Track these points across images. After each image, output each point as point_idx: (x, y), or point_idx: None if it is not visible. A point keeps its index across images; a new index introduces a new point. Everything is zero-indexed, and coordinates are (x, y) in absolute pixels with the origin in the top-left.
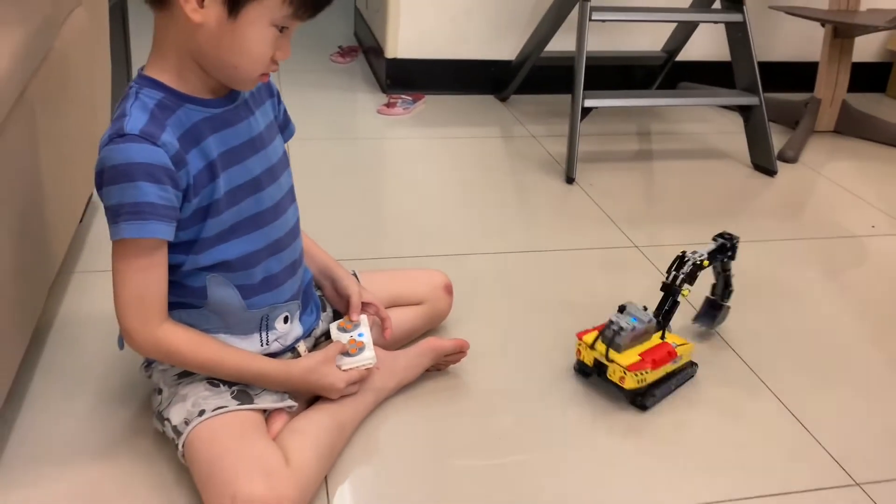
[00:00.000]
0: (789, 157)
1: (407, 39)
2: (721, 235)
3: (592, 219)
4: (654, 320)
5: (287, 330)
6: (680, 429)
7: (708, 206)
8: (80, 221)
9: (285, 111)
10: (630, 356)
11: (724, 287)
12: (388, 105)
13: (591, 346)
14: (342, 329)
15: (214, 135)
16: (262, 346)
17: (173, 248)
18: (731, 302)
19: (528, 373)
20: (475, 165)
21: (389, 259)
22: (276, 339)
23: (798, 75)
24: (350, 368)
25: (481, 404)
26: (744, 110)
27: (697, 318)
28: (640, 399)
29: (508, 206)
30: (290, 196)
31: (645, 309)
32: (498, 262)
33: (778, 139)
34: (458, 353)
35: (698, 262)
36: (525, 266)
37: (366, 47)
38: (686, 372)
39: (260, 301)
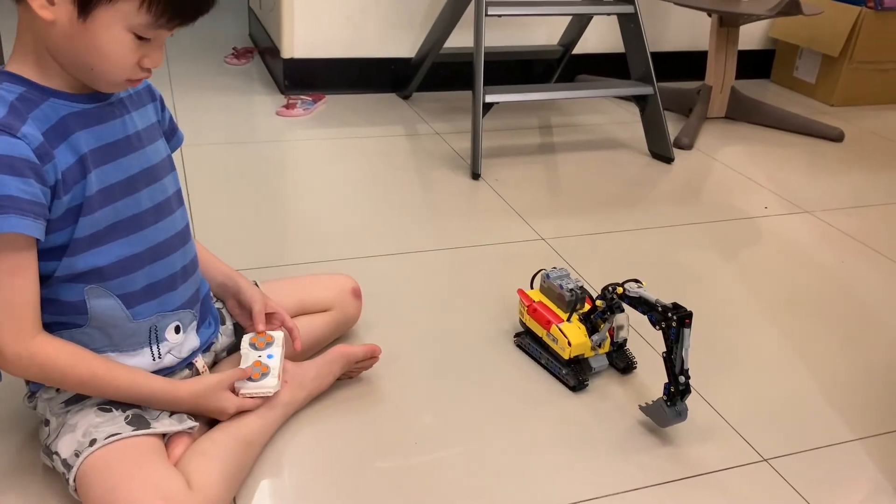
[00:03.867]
0: (684, 144)
1: (303, 39)
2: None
3: (499, 213)
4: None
5: (180, 340)
6: (591, 416)
7: (610, 196)
8: None
9: (171, 118)
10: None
11: (669, 376)
12: (288, 106)
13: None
14: (253, 345)
15: (84, 130)
16: (154, 359)
17: (44, 254)
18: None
19: (443, 372)
20: (380, 165)
21: (293, 266)
22: (168, 351)
23: (688, 64)
24: (249, 395)
25: (396, 408)
26: (639, 100)
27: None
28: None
29: (415, 205)
30: (177, 200)
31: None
32: (407, 263)
33: (673, 127)
34: (370, 358)
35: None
36: (434, 265)
37: (261, 48)
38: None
39: (145, 310)
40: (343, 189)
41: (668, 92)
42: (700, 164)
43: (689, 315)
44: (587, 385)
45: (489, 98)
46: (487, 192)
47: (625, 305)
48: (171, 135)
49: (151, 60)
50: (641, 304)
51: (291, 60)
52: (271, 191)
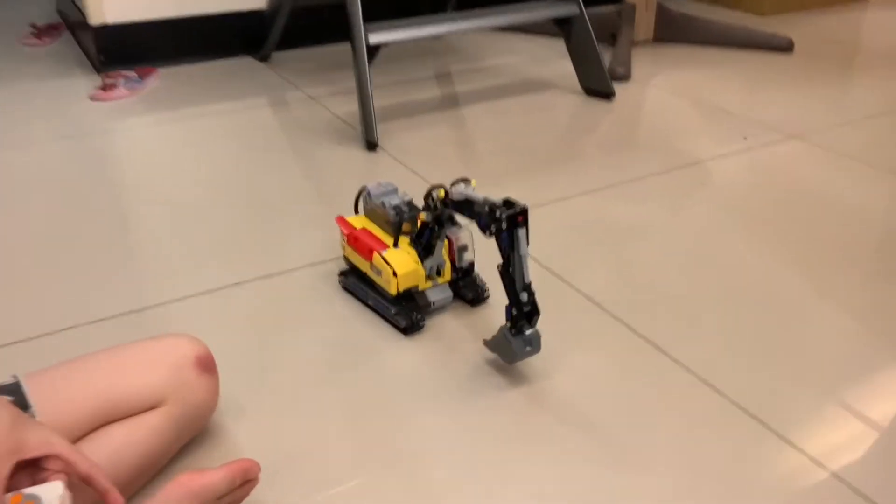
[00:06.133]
0: (620, 75)
1: None
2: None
3: (411, 190)
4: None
5: None
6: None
7: (544, 151)
8: None
9: None
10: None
11: (509, 295)
12: (105, 88)
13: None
14: None
15: None
16: None
17: None
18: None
19: (367, 461)
20: (242, 149)
21: (114, 319)
22: None
23: None
24: None
25: None
26: (563, 25)
27: (490, 344)
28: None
29: (296, 197)
30: None
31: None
32: (293, 285)
33: None
34: (245, 482)
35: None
36: (333, 281)
37: (71, 22)
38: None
39: None
40: (192, 188)
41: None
42: (647, 97)
43: (523, 211)
44: (423, 325)
45: (373, 39)
46: (391, 165)
47: (460, 218)
48: None
49: None
50: (468, 208)
51: (104, 28)
52: (89, 205)
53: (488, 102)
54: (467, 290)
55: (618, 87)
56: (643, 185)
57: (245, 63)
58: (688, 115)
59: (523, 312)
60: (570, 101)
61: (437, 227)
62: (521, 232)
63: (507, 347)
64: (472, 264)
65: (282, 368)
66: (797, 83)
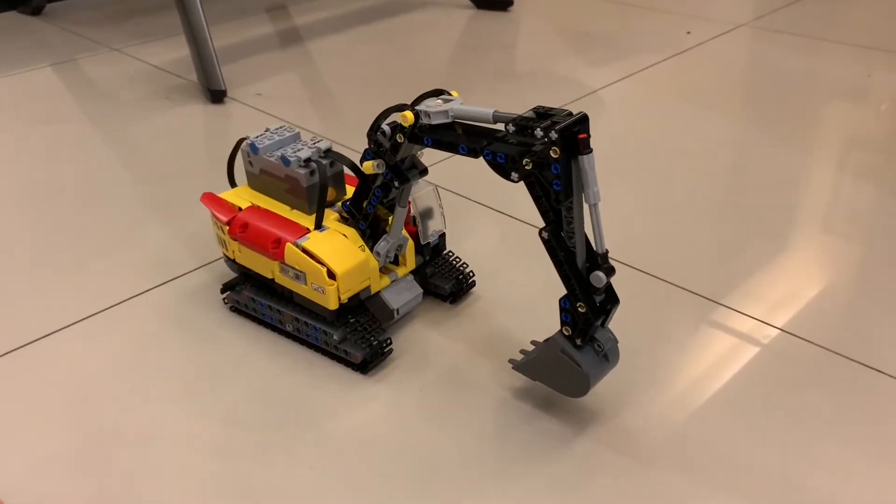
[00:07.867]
0: None
1: None
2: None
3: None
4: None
5: None
6: None
7: (448, 75)
8: None
9: None
10: None
11: (567, 276)
12: None
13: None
14: None
15: None
16: None
17: None
18: None
19: None
20: (27, 127)
21: None
22: None
23: None
24: None
25: None
26: None
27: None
28: None
29: (127, 182)
30: None
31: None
32: (144, 319)
33: None
34: None
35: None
36: (214, 301)
37: None
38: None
39: None
40: None
41: None
42: (550, 2)
43: (583, 123)
44: (391, 351)
45: None
46: (252, 117)
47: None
48: None
49: None
50: (459, 136)
51: None
52: None
53: (357, 30)
54: (441, 278)
55: None
56: (598, 98)
57: (9, 20)
58: (612, 17)
59: (596, 306)
60: (457, 18)
61: (396, 183)
62: (588, 160)
63: (572, 369)
64: (442, 237)
65: (159, 482)
66: None
